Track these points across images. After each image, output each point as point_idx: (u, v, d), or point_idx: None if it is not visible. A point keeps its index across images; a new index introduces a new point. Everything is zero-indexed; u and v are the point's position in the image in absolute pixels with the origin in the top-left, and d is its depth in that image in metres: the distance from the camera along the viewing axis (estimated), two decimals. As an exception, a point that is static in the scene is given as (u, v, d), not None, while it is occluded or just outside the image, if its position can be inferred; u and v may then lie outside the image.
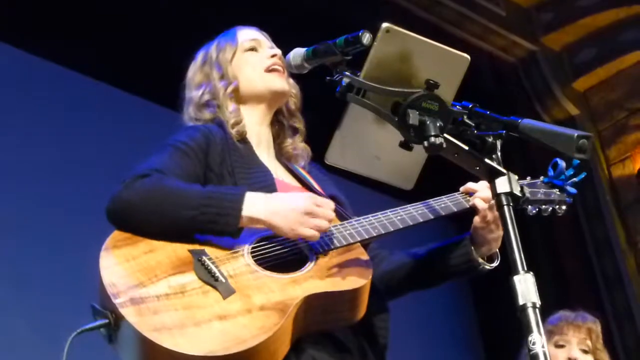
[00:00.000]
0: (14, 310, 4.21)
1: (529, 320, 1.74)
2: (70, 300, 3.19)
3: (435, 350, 6.07)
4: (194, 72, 2.56)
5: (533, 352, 1.71)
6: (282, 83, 2.49)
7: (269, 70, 2.49)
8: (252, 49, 2.54)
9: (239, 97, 2.49)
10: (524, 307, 1.75)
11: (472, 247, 2.37)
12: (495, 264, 2.40)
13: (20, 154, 4.47)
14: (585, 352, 3.52)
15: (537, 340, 1.72)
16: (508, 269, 1.80)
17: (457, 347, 6.36)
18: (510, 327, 2.01)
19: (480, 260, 2.37)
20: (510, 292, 1.78)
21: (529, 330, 1.73)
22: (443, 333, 6.27)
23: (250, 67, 2.51)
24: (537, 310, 1.75)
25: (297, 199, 2.17)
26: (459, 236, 2.43)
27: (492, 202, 2.25)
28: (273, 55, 2.50)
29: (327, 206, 2.18)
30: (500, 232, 2.33)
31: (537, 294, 1.76)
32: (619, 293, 6.04)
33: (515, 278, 1.78)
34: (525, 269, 1.79)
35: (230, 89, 2.47)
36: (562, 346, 3.53)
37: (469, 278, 2.43)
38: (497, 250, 2.39)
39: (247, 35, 2.57)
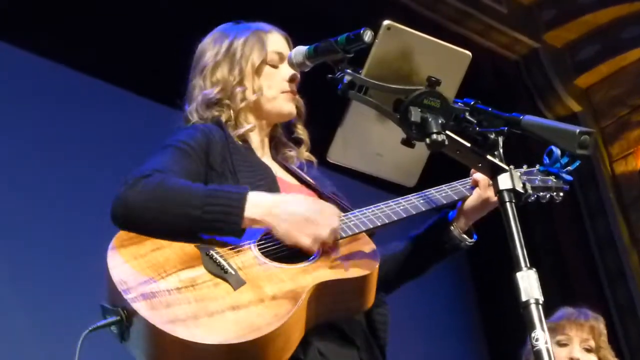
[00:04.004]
0: (22, 311, 4.22)
1: (532, 317, 1.74)
2: (79, 302, 3.20)
3: (438, 345, 6.08)
4: (212, 60, 2.50)
5: (536, 348, 1.72)
6: (291, 107, 2.50)
7: (284, 91, 2.49)
8: (274, 66, 2.51)
9: (250, 106, 2.48)
10: (527, 303, 1.75)
11: (452, 226, 2.45)
12: (474, 240, 2.47)
13: (25, 154, 4.48)
14: (588, 351, 3.44)
15: (541, 336, 1.72)
16: (511, 264, 1.80)
17: (460, 341, 6.37)
18: (513, 320, 2.02)
19: (461, 236, 2.45)
20: (513, 286, 1.78)
21: (532, 327, 1.73)
22: (446, 327, 6.28)
23: (267, 85, 2.49)
24: (540, 307, 1.75)
25: (301, 205, 2.16)
26: (434, 219, 2.49)
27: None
28: (292, 80, 2.49)
29: (332, 215, 2.17)
30: (484, 213, 2.45)
31: (540, 290, 1.77)
32: (622, 289, 6.04)
33: (518, 274, 1.78)
34: (528, 265, 1.79)
35: (251, 99, 2.45)
36: (564, 345, 3.45)
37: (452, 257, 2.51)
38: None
39: (274, 44, 2.53)
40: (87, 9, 4.66)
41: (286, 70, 2.49)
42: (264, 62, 2.49)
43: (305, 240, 2.11)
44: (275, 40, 2.55)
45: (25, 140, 4.52)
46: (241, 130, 2.43)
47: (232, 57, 2.49)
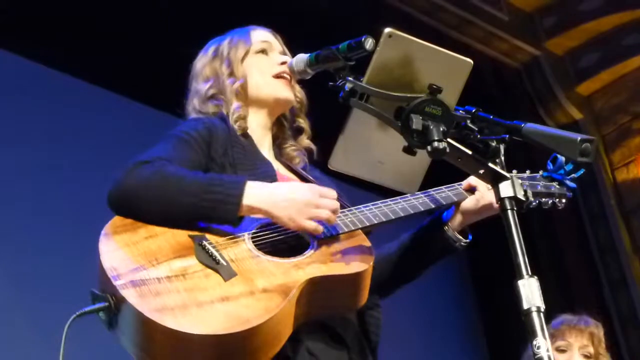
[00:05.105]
0: (8, 296, 4.22)
1: (533, 325, 1.74)
2: (68, 289, 3.18)
3: (438, 345, 6.08)
4: (203, 64, 2.56)
5: (538, 356, 1.72)
6: (287, 92, 2.50)
7: (277, 76, 2.50)
8: (263, 52, 2.54)
9: (244, 97, 2.49)
10: (529, 311, 1.75)
11: (445, 227, 2.43)
12: (469, 240, 2.46)
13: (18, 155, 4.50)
14: (587, 357, 3.48)
15: (542, 344, 1.72)
16: (511, 264, 1.81)
17: (460, 341, 6.38)
18: (513, 320, 2.02)
19: (456, 237, 2.43)
20: (512, 287, 1.78)
21: (533, 335, 1.73)
22: (445, 327, 6.29)
23: (259, 71, 2.51)
24: (542, 315, 1.75)
25: (299, 189, 2.17)
26: (428, 219, 2.48)
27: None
28: (283, 63, 2.49)
29: (331, 196, 2.18)
30: (481, 217, 2.43)
31: (542, 298, 1.77)
32: (624, 297, 6.04)
33: (520, 282, 1.78)
34: (530, 273, 1.79)
35: (236, 86, 2.48)
36: (563, 351, 3.48)
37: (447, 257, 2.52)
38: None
39: (260, 36, 2.58)
40: (87, 10, 4.67)
41: (277, 56, 2.52)
42: (250, 51, 2.53)
43: (308, 223, 2.12)
44: (260, 33, 2.59)
45: (25, 143, 4.54)
46: (243, 123, 2.45)
47: (220, 55, 2.54)
